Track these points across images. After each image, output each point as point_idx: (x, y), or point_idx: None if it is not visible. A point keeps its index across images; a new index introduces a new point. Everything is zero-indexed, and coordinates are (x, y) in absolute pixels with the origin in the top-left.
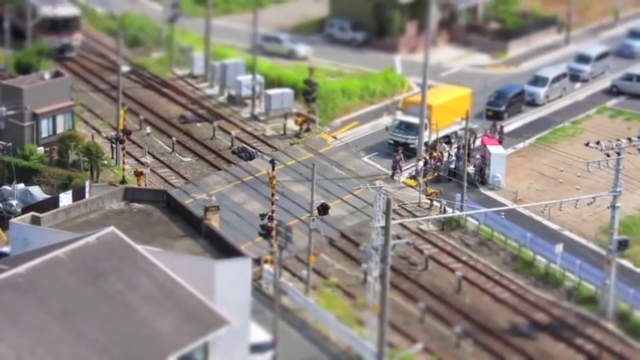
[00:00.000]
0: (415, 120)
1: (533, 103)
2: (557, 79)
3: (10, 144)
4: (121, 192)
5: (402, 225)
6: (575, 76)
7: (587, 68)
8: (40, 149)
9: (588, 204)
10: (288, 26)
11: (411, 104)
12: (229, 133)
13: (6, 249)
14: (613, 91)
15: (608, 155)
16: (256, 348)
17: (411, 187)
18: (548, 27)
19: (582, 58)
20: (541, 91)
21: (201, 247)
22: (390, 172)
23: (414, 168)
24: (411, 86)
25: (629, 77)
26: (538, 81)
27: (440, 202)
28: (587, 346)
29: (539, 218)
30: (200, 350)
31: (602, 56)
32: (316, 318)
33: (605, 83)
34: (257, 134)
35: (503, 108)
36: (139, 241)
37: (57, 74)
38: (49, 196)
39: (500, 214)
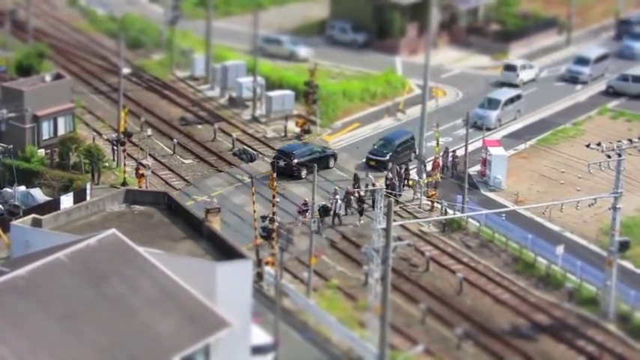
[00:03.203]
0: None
1: (481, 128)
2: (511, 101)
3: (11, 146)
4: (122, 194)
5: (403, 226)
6: (574, 79)
7: (586, 70)
8: (41, 151)
9: (589, 205)
10: (288, 28)
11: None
12: (230, 135)
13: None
14: (609, 92)
15: (609, 156)
16: (257, 350)
17: (412, 187)
18: (548, 28)
19: (581, 61)
20: (493, 115)
21: (203, 249)
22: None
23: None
24: (411, 88)
25: (624, 78)
26: (491, 104)
27: (441, 203)
28: (589, 348)
29: (540, 220)
30: (201, 352)
31: (601, 58)
32: (317, 320)
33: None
34: (258, 136)
35: (387, 157)
36: (140, 243)
37: (58, 76)
38: (50, 199)
39: (501, 216)
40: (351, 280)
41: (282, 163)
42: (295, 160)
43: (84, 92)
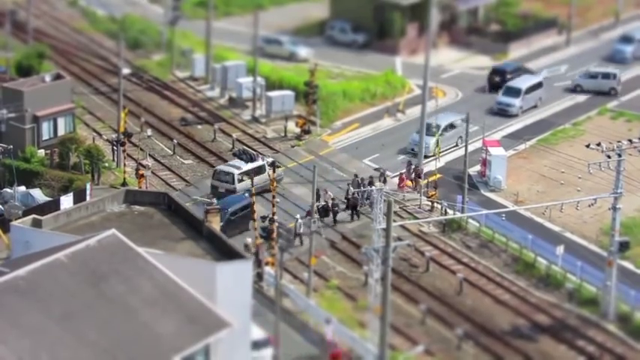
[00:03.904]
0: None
1: (413, 152)
2: (451, 126)
3: (11, 146)
4: (122, 194)
5: (403, 227)
6: (503, 111)
7: (516, 102)
8: (41, 152)
9: (589, 205)
10: (288, 28)
11: None
12: (230, 136)
13: None
14: (577, 90)
15: (609, 157)
16: (253, 345)
17: (412, 188)
18: (548, 28)
19: (511, 91)
20: (431, 141)
21: (202, 250)
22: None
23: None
24: (411, 88)
25: (592, 75)
26: (429, 130)
27: (441, 204)
28: (589, 348)
29: (540, 220)
30: (201, 352)
31: (533, 88)
32: (317, 320)
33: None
34: (258, 136)
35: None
36: (140, 244)
37: (58, 77)
38: (50, 199)
39: (501, 216)
40: (351, 280)
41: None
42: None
43: (84, 93)
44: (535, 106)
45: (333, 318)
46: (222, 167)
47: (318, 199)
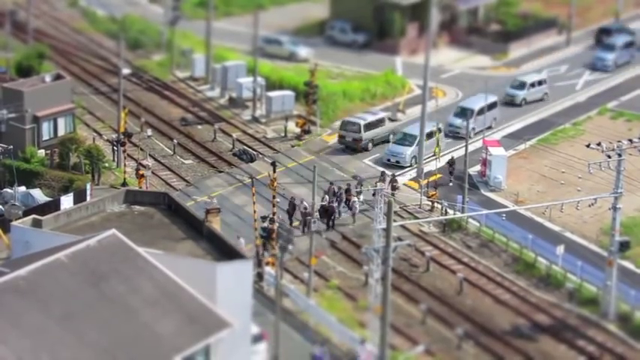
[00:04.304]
0: None
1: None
2: (430, 135)
3: (11, 147)
4: (122, 194)
5: (403, 227)
6: (455, 133)
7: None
8: (41, 152)
9: (589, 205)
10: (288, 28)
11: None
12: (230, 136)
13: None
14: (519, 104)
15: (609, 156)
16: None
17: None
18: (548, 28)
19: (463, 113)
20: (408, 151)
21: (203, 250)
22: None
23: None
24: (411, 88)
25: (520, 85)
26: (406, 139)
27: (441, 203)
28: (589, 348)
29: (540, 220)
30: (202, 353)
31: (488, 108)
32: (318, 320)
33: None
34: (258, 136)
35: None
36: (141, 244)
37: (58, 77)
38: (50, 199)
39: (501, 216)
40: (351, 280)
41: None
42: None
43: (84, 93)
44: (490, 127)
45: (365, 340)
46: (348, 118)
47: (293, 210)
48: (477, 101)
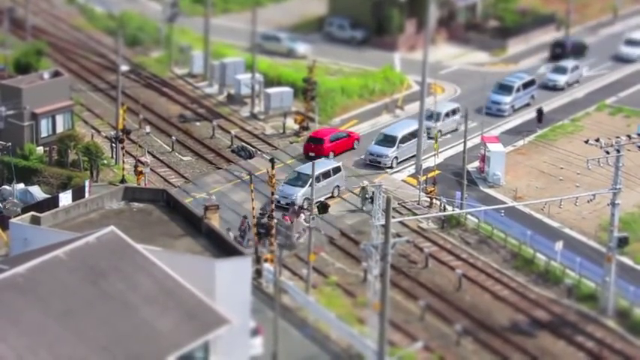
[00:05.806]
0: None
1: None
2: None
3: (10, 144)
4: (121, 191)
5: (402, 223)
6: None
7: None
8: (40, 149)
9: (588, 201)
10: (287, 25)
11: None
12: (229, 132)
13: None
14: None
15: (607, 152)
16: None
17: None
18: (547, 24)
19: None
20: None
21: (201, 246)
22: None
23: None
24: (410, 84)
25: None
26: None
27: (440, 200)
28: (588, 344)
29: (539, 216)
30: (201, 349)
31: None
32: (317, 316)
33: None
34: (256, 133)
35: None
36: (139, 241)
37: (56, 74)
38: (48, 196)
39: (500, 212)
40: (350, 276)
41: None
42: None
43: (82, 90)
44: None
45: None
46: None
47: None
48: (401, 128)
